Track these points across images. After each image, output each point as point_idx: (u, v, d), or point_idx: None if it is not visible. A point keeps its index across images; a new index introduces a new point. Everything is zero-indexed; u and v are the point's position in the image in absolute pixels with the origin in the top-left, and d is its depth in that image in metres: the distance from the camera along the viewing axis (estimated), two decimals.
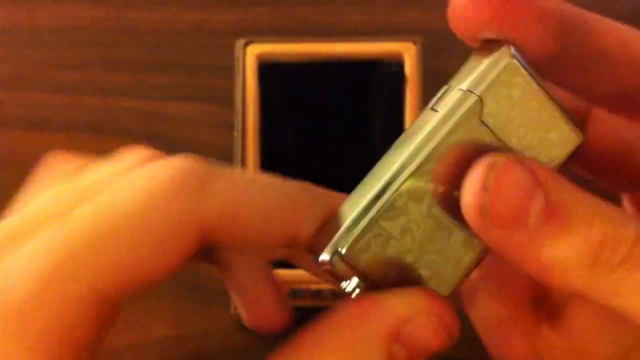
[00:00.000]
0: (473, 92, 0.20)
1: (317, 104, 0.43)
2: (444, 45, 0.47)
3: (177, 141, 0.44)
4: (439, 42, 0.46)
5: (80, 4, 0.47)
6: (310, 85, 0.43)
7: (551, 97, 0.19)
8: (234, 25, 0.46)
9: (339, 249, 0.19)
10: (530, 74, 0.19)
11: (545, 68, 0.19)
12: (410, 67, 0.41)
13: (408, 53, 0.41)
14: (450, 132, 0.19)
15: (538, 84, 0.19)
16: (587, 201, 0.17)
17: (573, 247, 0.16)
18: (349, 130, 0.42)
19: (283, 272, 0.39)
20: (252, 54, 0.42)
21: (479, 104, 0.19)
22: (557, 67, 0.19)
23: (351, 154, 0.42)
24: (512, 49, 0.20)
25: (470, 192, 0.17)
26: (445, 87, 0.21)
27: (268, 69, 0.42)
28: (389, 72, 0.42)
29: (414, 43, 0.41)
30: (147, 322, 0.42)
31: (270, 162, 0.41)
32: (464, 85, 0.20)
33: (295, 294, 0.39)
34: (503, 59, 0.20)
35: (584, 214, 0.17)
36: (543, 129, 0.19)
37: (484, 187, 0.17)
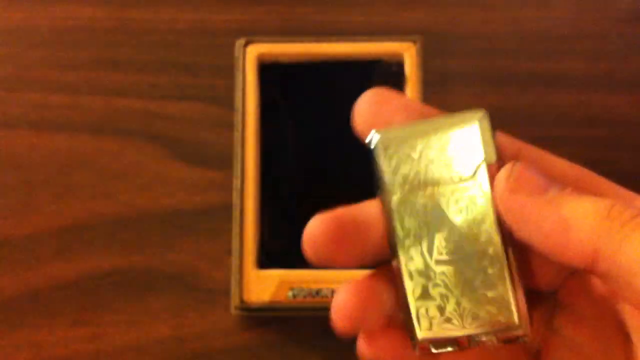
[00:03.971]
0: None
1: (317, 104, 0.43)
2: (444, 45, 0.47)
3: (177, 141, 0.44)
4: (439, 42, 0.46)
5: (80, 4, 0.47)
6: (310, 85, 0.43)
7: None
8: (234, 25, 0.46)
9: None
10: None
11: None
12: (410, 67, 0.41)
13: (408, 53, 0.41)
14: None
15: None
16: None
17: (589, 205, 0.19)
18: (348, 130, 0.42)
19: (283, 272, 0.39)
20: (252, 54, 0.42)
21: None
22: None
23: (351, 154, 0.42)
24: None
25: (503, 175, 0.20)
26: None
27: (268, 69, 0.42)
28: (389, 72, 0.42)
29: (414, 43, 0.41)
30: (147, 322, 0.42)
31: (270, 162, 0.41)
32: None
33: (295, 294, 0.39)
34: None
35: (596, 193, 0.19)
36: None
37: (510, 175, 0.20)
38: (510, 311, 0.21)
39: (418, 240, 0.21)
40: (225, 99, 0.44)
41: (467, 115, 0.21)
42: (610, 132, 0.45)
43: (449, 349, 0.21)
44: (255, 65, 0.41)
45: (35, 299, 0.42)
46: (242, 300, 0.39)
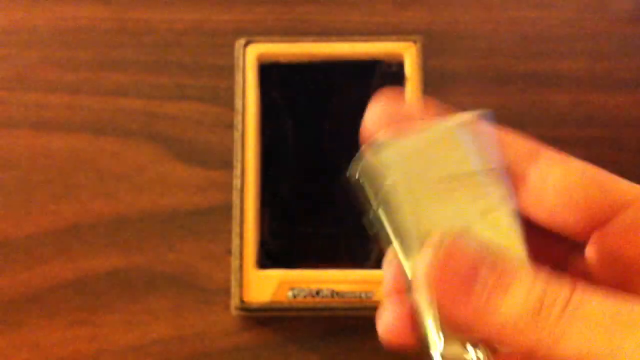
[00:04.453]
0: None
1: (317, 104, 0.43)
2: (444, 45, 0.47)
3: (177, 141, 0.44)
4: (439, 42, 0.46)
5: (80, 4, 0.47)
6: (310, 85, 0.43)
7: None
8: (234, 25, 0.46)
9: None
10: None
11: None
12: (410, 67, 0.41)
13: (408, 53, 0.41)
14: None
15: None
16: (527, 266, 0.19)
17: (520, 300, 0.18)
18: (348, 130, 0.42)
19: (283, 272, 0.39)
20: (252, 54, 0.42)
21: None
22: None
23: (351, 154, 0.42)
24: None
25: (422, 264, 0.19)
26: None
27: (268, 69, 0.42)
28: (389, 72, 0.42)
29: (414, 43, 0.41)
30: (147, 322, 0.42)
31: (270, 162, 0.41)
32: None
33: (295, 294, 0.39)
34: None
35: (526, 276, 0.19)
36: None
37: (434, 262, 0.19)
38: None
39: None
40: (225, 99, 0.44)
41: (466, 116, 0.21)
42: (610, 132, 0.45)
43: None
44: (255, 65, 0.41)
45: (35, 299, 0.42)
46: (242, 300, 0.39)
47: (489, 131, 0.21)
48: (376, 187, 0.21)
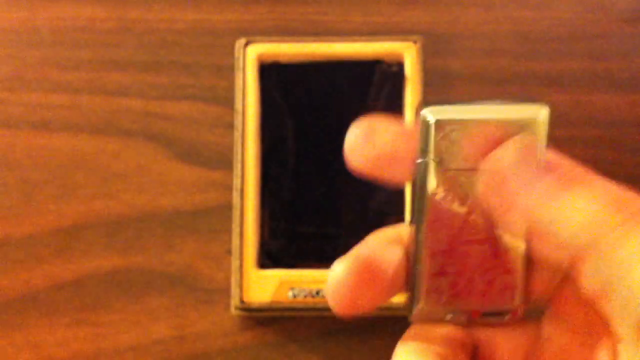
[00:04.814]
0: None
1: (317, 104, 0.43)
2: (444, 45, 0.47)
3: (177, 141, 0.44)
4: (439, 42, 0.46)
5: (80, 4, 0.47)
6: (310, 85, 0.43)
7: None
8: (234, 25, 0.46)
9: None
10: None
11: None
12: (410, 67, 0.41)
13: (408, 53, 0.41)
14: None
15: None
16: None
17: (596, 192, 0.18)
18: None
19: (283, 272, 0.39)
20: (252, 54, 0.42)
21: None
22: None
23: None
24: None
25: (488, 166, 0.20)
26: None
27: (268, 69, 0.42)
28: (389, 72, 0.42)
29: (414, 43, 0.41)
30: (147, 322, 0.42)
31: (270, 162, 0.41)
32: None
33: (295, 294, 0.39)
34: None
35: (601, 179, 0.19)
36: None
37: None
38: (515, 296, 0.21)
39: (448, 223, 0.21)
40: (225, 99, 0.44)
41: (529, 108, 0.21)
42: (610, 132, 0.45)
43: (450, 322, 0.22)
44: (255, 65, 0.41)
45: (35, 299, 0.42)
46: (242, 300, 0.39)
47: (545, 127, 0.20)
48: (427, 141, 0.21)
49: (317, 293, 0.39)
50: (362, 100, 0.42)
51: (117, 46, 0.46)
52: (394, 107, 0.41)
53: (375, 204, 0.41)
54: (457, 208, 0.21)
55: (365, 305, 0.21)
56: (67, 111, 0.45)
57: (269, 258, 0.40)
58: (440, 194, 0.21)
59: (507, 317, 0.22)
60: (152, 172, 0.44)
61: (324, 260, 0.41)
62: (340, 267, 0.21)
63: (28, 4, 0.47)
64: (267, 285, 0.39)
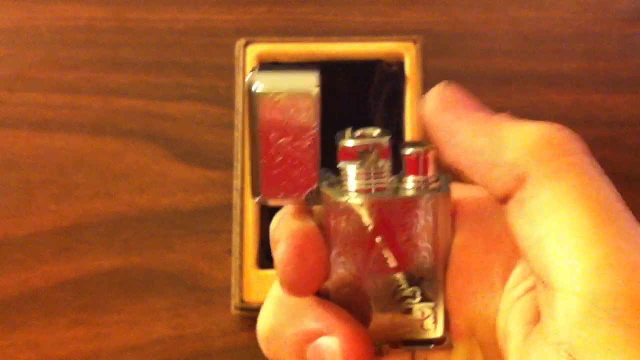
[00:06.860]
0: None
1: None
2: (444, 45, 0.47)
3: (177, 141, 0.44)
4: (439, 42, 0.46)
5: (80, 4, 0.47)
6: None
7: None
8: (234, 25, 0.46)
9: None
10: None
11: None
12: (410, 67, 0.41)
13: (408, 53, 0.41)
14: None
15: None
16: None
17: (530, 127, 0.18)
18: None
19: None
20: (252, 54, 0.42)
21: None
22: None
23: None
24: None
25: (434, 93, 0.21)
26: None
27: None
28: (389, 72, 0.42)
29: (414, 43, 0.41)
30: (147, 322, 0.42)
31: None
32: None
33: None
34: None
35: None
36: None
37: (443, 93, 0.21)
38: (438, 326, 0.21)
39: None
40: (225, 99, 0.44)
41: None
42: (610, 132, 0.45)
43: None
44: (255, 65, 0.41)
45: (35, 299, 0.42)
46: (242, 300, 0.39)
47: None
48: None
49: None
50: (362, 100, 0.42)
51: (117, 46, 0.46)
52: (394, 107, 0.41)
53: None
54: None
55: (311, 277, 0.22)
56: (67, 111, 0.45)
57: (269, 258, 0.40)
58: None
59: (432, 347, 0.21)
60: (152, 172, 0.44)
61: None
62: (282, 248, 0.22)
63: (28, 4, 0.47)
64: (267, 285, 0.39)
